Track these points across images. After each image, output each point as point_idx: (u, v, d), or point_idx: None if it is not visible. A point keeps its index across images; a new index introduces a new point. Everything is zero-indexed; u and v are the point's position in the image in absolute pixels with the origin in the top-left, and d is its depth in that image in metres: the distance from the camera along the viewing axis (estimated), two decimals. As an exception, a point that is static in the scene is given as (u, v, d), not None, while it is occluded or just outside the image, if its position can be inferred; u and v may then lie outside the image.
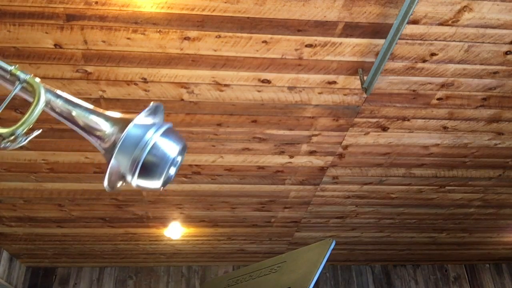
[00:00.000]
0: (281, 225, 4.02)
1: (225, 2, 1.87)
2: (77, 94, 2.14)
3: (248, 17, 1.95)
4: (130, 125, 0.70)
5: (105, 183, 0.71)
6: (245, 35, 2.04)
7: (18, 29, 1.94)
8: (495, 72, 2.33)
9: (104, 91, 2.33)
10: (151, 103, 0.74)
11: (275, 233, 4.18)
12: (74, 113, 0.74)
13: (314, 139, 2.82)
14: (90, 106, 0.75)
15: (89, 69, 2.19)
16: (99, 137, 0.73)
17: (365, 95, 2.44)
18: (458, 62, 2.25)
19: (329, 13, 1.95)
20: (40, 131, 0.72)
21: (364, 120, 2.67)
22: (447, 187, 3.45)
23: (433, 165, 3.16)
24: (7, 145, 0.66)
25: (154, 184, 0.74)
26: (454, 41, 2.12)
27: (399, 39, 2.00)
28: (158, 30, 1.99)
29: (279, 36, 2.06)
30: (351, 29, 2.04)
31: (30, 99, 0.70)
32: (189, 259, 4.69)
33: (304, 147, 2.90)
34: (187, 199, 3.44)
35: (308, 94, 2.44)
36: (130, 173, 0.72)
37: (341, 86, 2.40)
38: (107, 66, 2.17)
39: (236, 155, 2.95)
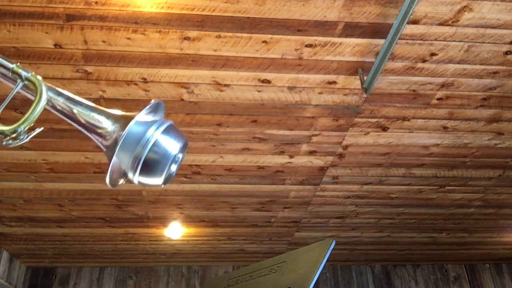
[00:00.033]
0: (281, 225, 4.02)
1: (225, 2, 1.87)
2: (77, 94, 2.13)
3: (248, 17, 1.95)
4: (132, 123, 0.70)
5: (107, 180, 0.71)
6: (245, 35, 2.05)
7: (18, 29, 1.94)
8: (495, 72, 2.33)
9: (104, 91, 2.33)
10: (152, 101, 0.74)
11: (275, 233, 4.18)
12: (75, 111, 0.74)
13: (314, 139, 2.82)
14: (92, 104, 0.75)
15: (89, 69, 2.19)
16: (100, 135, 0.74)
17: (365, 95, 2.44)
18: (458, 62, 2.26)
19: (329, 13, 1.96)
20: (41, 128, 0.72)
21: (364, 120, 2.67)
22: (447, 187, 3.46)
23: (433, 165, 3.16)
24: (9, 142, 0.66)
25: (156, 181, 0.75)
26: (454, 41, 2.12)
27: (399, 39, 2.00)
28: (158, 30, 1.99)
29: (279, 36, 2.06)
30: (351, 29, 2.05)
31: (32, 97, 0.70)
32: (189, 259, 4.69)
33: (304, 147, 2.90)
34: (187, 199, 3.44)
35: (308, 94, 2.44)
36: (132, 170, 0.72)
37: (341, 86, 2.40)
38: (107, 66, 2.18)
39: (236, 155, 2.95)
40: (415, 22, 2.00)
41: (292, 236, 4.27)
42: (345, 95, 2.46)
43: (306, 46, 2.12)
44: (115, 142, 0.71)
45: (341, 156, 3.02)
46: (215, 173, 3.13)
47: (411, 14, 1.82)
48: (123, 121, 0.72)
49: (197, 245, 4.33)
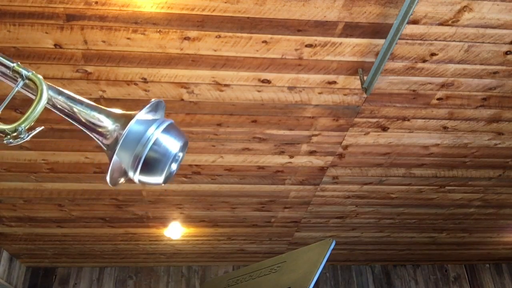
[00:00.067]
0: (281, 225, 4.02)
1: (225, 2, 1.87)
2: (77, 94, 2.14)
3: (248, 17, 1.95)
4: (132, 122, 0.70)
5: (108, 179, 0.71)
6: (245, 35, 2.05)
7: (18, 29, 1.94)
8: (495, 72, 2.33)
9: (104, 91, 2.33)
10: (152, 100, 0.74)
11: (275, 233, 4.18)
12: (76, 110, 0.74)
13: (314, 139, 2.82)
14: (92, 103, 0.75)
15: (89, 69, 2.19)
16: (101, 134, 0.74)
17: (365, 95, 2.44)
18: (458, 62, 2.26)
19: (329, 13, 1.96)
20: (42, 127, 0.72)
21: (364, 120, 2.67)
22: (447, 187, 3.46)
23: (433, 165, 3.16)
24: (9, 141, 0.66)
25: (156, 180, 0.75)
26: (454, 41, 2.12)
27: (399, 39, 2.00)
28: (158, 30, 1.99)
29: (279, 36, 2.07)
30: (351, 29, 2.05)
31: (32, 96, 0.70)
32: (189, 259, 4.69)
33: (304, 147, 2.90)
34: (187, 199, 3.44)
35: (308, 94, 2.44)
36: (132, 169, 0.72)
37: (341, 86, 2.40)
38: (107, 66, 2.18)
39: (236, 155, 2.95)
40: (415, 22, 2.00)
41: (292, 236, 4.27)
42: (345, 95, 2.46)
43: (306, 46, 2.12)
44: (116, 141, 0.71)
45: (341, 156, 3.02)
46: (215, 173, 3.13)
47: (411, 14, 1.83)
48: (124, 120, 0.72)
49: (197, 245, 4.33)
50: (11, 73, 0.72)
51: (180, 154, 0.78)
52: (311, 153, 2.96)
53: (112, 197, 3.35)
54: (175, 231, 3.92)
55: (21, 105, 2.30)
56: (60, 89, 0.74)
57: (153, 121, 0.75)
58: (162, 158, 0.74)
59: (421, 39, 2.11)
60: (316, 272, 1.51)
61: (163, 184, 0.76)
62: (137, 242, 4.20)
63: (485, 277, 5.10)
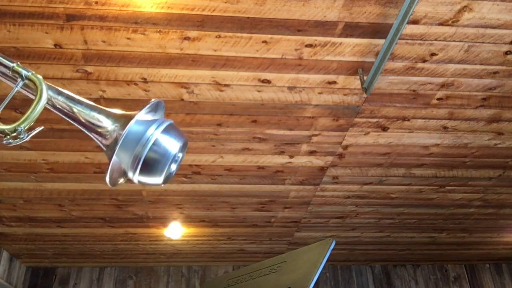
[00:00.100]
0: (281, 225, 4.02)
1: (225, 2, 1.87)
2: (77, 94, 2.14)
3: (248, 17, 1.95)
4: (132, 122, 0.70)
5: (107, 179, 0.71)
6: (245, 35, 2.05)
7: (18, 29, 1.94)
8: (495, 72, 2.33)
9: (104, 91, 2.33)
10: (152, 100, 0.74)
11: (275, 233, 4.18)
12: (75, 110, 0.74)
13: (314, 139, 2.82)
14: (92, 103, 0.75)
15: (89, 69, 2.19)
16: (100, 134, 0.74)
17: (365, 95, 2.44)
18: (458, 62, 2.26)
19: (329, 13, 1.96)
20: (42, 127, 0.72)
21: (364, 120, 2.67)
22: (447, 187, 3.46)
23: (433, 165, 3.16)
24: (9, 141, 0.66)
25: (156, 180, 0.75)
26: (454, 41, 2.12)
27: (399, 39, 2.00)
28: (158, 30, 1.99)
29: (279, 36, 2.07)
30: (351, 29, 2.05)
31: (32, 96, 0.70)
32: (189, 259, 4.69)
33: (304, 147, 2.90)
34: (187, 199, 3.44)
35: (308, 94, 2.44)
36: (132, 169, 0.72)
37: (341, 86, 2.40)
38: (107, 66, 2.18)
39: (236, 155, 2.95)
40: (415, 22, 2.00)
41: (292, 236, 4.27)
42: (345, 95, 2.46)
43: (306, 46, 2.12)
44: (115, 141, 0.71)
45: (341, 156, 3.02)
46: (215, 173, 3.13)
47: (411, 14, 1.83)
48: (123, 120, 0.72)
49: (197, 245, 4.33)
50: (11, 73, 0.72)
51: (180, 155, 0.78)
52: (311, 153, 2.96)
53: (112, 197, 3.35)
54: (175, 231, 3.92)
55: (21, 105, 2.30)
56: (60, 89, 0.74)
57: (153, 121, 0.75)
58: (161, 159, 0.74)
59: (421, 39, 2.11)
60: (316, 272, 1.51)
61: (162, 185, 0.75)
62: (137, 242, 4.20)
63: (485, 277, 5.10)
